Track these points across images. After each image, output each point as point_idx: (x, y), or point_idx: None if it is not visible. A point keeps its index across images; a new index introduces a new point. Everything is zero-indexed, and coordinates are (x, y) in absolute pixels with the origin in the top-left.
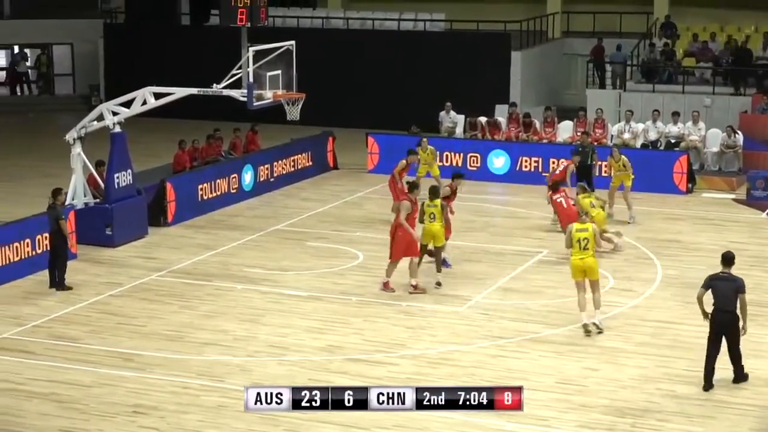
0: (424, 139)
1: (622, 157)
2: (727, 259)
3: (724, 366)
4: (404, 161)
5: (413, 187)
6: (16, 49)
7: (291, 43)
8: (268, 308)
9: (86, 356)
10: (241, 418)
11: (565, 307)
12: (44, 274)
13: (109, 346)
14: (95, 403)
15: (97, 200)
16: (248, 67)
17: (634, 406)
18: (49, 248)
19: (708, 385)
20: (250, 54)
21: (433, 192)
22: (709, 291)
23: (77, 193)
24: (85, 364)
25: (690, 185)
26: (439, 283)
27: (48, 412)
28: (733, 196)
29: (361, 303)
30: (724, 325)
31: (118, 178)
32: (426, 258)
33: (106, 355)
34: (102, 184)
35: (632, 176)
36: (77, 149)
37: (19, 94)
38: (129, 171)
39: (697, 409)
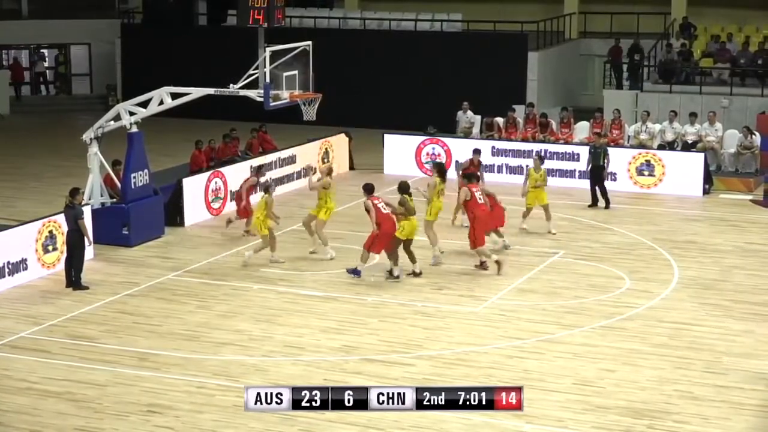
0: (536, 158)
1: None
2: None
3: (741, 367)
4: (467, 161)
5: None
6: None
7: (308, 44)
8: (285, 308)
9: (102, 356)
10: (258, 418)
11: (582, 308)
12: (61, 274)
13: (125, 345)
14: (110, 403)
15: (114, 200)
16: (265, 67)
17: (652, 408)
18: (66, 248)
19: None
20: (267, 54)
21: (402, 188)
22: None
23: (94, 193)
24: (101, 364)
25: (707, 186)
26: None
27: (64, 411)
28: (750, 197)
29: (378, 303)
30: None
31: (134, 177)
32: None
33: (122, 354)
34: (119, 184)
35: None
36: (94, 149)
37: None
38: (146, 171)
39: (714, 410)
